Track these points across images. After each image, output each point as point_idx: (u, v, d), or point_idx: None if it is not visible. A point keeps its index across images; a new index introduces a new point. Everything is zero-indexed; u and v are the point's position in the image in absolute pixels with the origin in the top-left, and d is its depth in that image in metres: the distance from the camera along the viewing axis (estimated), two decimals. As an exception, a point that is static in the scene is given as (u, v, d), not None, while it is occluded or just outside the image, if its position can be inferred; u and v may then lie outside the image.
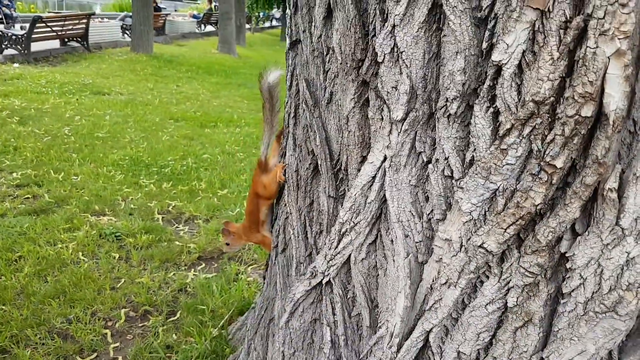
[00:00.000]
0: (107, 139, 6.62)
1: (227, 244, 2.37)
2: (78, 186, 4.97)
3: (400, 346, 1.37)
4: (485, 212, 1.08)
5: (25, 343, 2.78)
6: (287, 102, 1.77)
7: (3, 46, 11.43)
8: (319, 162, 1.53)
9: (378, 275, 1.47)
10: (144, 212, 4.57)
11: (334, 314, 1.59)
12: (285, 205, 1.84)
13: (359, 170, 1.37)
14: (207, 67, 14.85)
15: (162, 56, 15.47)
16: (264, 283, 2.32)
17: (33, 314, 3.00)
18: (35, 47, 12.22)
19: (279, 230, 1.94)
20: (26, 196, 4.64)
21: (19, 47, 11.58)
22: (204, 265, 3.86)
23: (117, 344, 2.91)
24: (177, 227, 4.43)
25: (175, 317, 3.17)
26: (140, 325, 3.10)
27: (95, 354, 2.82)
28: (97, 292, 3.29)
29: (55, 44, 13.78)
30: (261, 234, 2.16)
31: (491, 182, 1.03)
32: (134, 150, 6.25)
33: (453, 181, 1.12)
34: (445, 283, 1.21)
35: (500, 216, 1.05)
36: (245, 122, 8.59)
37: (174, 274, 3.64)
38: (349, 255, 1.49)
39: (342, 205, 1.48)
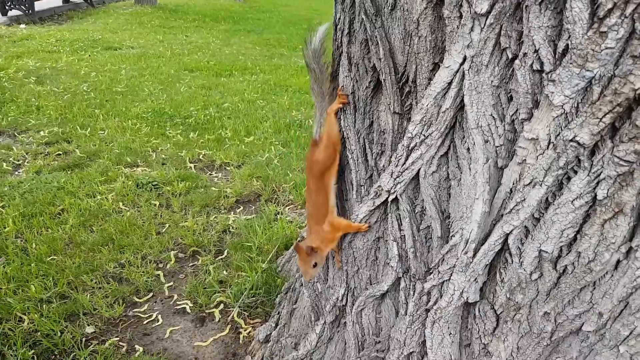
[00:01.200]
0: (127, 93, 6.60)
1: (315, 265, 1.67)
2: (107, 140, 5.00)
3: (476, 251, 1.38)
4: (578, 104, 1.06)
5: (82, 288, 2.88)
6: (338, 19, 1.72)
7: (7, 7, 11.23)
8: (382, 77, 1.49)
9: (450, 186, 1.47)
10: (176, 161, 4.60)
11: (400, 230, 1.61)
12: (341, 130, 1.82)
13: (430, 79, 1.34)
14: (214, 15, 14.52)
15: (167, 7, 15.14)
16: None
17: (85, 262, 3.09)
18: (37, 6, 12.00)
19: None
20: (57, 153, 4.68)
21: (22, 7, 11.38)
22: (242, 208, 3.91)
23: (171, 283, 3.01)
24: (210, 174, 4.47)
25: (223, 256, 3.25)
26: (190, 265, 3.19)
27: (151, 294, 2.92)
28: (144, 238, 3.37)
29: (58, 1, 13.53)
30: (337, 221, 1.70)
31: (587, 70, 1.00)
32: (154, 102, 6.23)
33: (543, 75, 1.09)
34: (530, 183, 1.20)
35: (596, 105, 1.02)
36: (260, 69, 8.47)
37: (215, 217, 3.71)
38: (418, 170, 1.49)
39: (409, 120, 1.47)
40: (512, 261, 1.34)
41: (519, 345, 1.46)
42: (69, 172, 4.31)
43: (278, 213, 3.77)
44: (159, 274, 3.07)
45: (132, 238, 3.34)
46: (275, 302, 2.66)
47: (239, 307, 2.78)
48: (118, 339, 2.59)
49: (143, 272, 3.05)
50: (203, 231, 3.50)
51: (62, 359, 2.43)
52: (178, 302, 2.86)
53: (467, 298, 1.43)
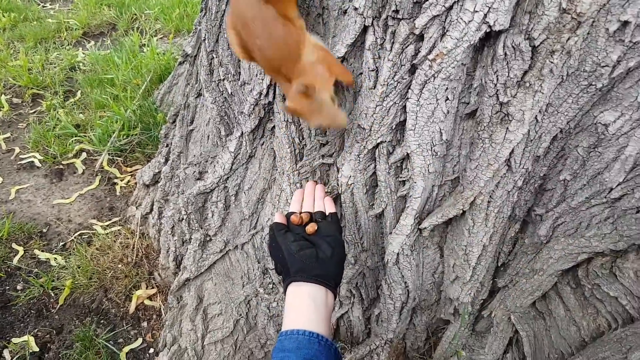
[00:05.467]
0: None
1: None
2: None
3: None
4: None
5: None
6: None
7: None
8: None
9: None
10: (-10, -9, 3.39)
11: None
12: None
13: None
14: None
15: None
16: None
17: None
18: None
19: None
20: None
21: None
22: (93, 42, 3.00)
23: (8, 135, 2.19)
24: (43, 5, 3.38)
25: (76, 98, 2.44)
26: (31, 111, 2.35)
27: (-23, 150, 2.08)
28: (-45, 79, 2.41)
29: None
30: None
31: None
32: None
33: None
34: None
35: None
36: None
37: (57, 53, 2.78)
38: None
39: None
40: None
41: (551, 101, 1.00)
42: None
43: (143, 45, 2.93)
44: (-15, 125, 2.20)
45: None
46: (160, 136, 2.00)
47: (108, 153, 2.08)
48: None
49: (-41, 124, 2.16)
50: (42, 70, 2.59)
51: None
52: (22, 156, 2.07)
53: (493, 23, 0.90)
